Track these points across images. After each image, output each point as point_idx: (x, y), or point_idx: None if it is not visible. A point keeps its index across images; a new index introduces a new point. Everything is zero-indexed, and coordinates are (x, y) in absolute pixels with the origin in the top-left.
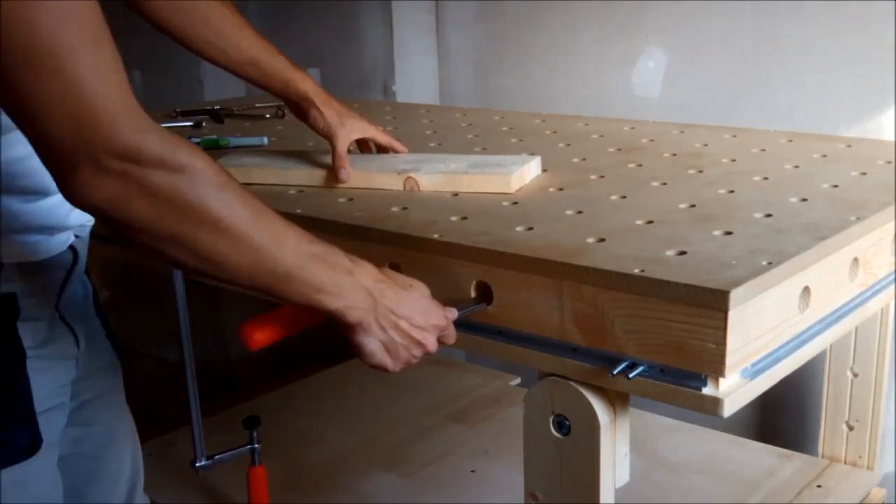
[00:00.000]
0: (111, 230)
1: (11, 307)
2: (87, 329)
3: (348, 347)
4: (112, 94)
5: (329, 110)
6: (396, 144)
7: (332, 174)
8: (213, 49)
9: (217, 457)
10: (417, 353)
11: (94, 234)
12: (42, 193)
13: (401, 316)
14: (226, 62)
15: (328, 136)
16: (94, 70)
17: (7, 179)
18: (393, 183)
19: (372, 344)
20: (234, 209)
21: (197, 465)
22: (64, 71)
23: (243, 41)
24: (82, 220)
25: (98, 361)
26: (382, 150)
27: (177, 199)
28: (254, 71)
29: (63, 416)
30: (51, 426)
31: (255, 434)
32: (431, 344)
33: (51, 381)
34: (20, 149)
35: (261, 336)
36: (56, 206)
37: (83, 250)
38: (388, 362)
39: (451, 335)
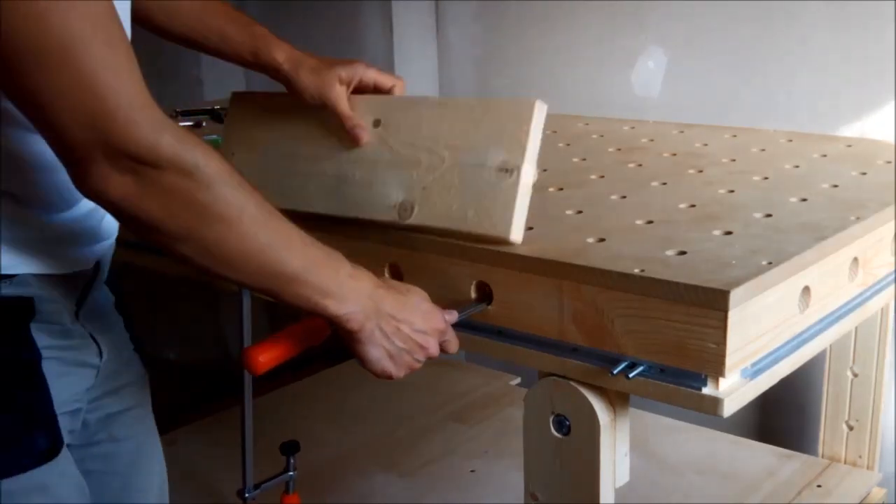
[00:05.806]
0: (125, 225)
1: (27, 310)
2: (112, 340)
3: (351, 357)
4: (125, 90)
5: (307, 74)
6: (389, 80)
7: (350, 139)
8: (175, 24)
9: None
10: (420, 356)
11: None
12: (71, 203)
13: (401, 320)
14: (190, 37)
15: (321, 102)
16: (106, 65)
17: (36, 190)
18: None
19: (375, 351)
20: (245, 209)
21: (246, 496)
22: (76, 64)
23: (207, 13)
24: (112, 230)
25: (127, 375)
26: (378, 89)
27: (189, 198)
28: (222, 44)
29: (77, 422)
30: (66, 430)
31: (292, 461)
32: (433, 347)
33: (68, 386)
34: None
35: (265, 359)
36: (86, 216)
37: (106, 259)
38: (391, 369)
39: (453, 342)
